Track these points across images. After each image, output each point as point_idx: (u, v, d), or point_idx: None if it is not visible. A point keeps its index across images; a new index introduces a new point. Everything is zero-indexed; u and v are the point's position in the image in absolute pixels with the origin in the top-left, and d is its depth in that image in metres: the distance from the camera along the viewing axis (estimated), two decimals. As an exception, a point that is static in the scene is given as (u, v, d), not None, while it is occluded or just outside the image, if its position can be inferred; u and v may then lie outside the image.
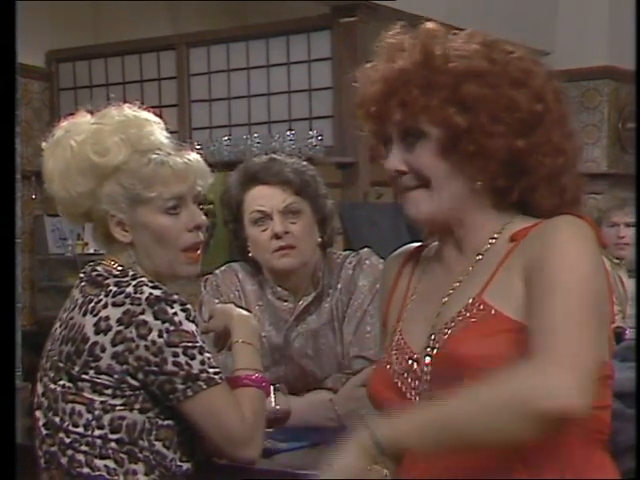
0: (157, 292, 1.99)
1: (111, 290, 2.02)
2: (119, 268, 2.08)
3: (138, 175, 2.07)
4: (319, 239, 2.72)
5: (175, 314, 1.98)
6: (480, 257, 1.70)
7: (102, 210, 2.09)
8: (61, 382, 2.04)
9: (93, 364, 1.99)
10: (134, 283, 2.02)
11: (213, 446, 2.03)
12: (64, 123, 2.14)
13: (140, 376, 1.98)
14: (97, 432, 2.00)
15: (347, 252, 2.81)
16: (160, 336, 1.96)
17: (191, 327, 1.99)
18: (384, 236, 5.07)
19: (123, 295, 2.00)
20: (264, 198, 2.67)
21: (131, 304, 1.98)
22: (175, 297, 2.00)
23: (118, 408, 2.00)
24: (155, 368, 1.97)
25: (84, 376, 2.01)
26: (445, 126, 1.66)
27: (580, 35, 7.24)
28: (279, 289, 2.74)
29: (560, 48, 7.30)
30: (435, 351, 1.66)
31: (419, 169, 1.69)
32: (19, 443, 2.14)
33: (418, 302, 1.78)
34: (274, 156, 2.74)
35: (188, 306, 2.01)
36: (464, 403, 1.49)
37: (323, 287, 2.73)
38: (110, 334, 1.98)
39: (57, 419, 2.04)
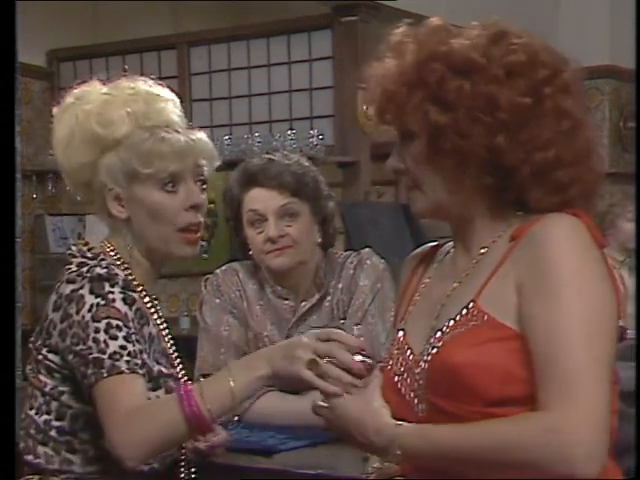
0: (104, 271, 1.96)
1: (70, 268, 2.02)
2: (93, 250, 2.05)
3: (137, 150, 2.03)
4: (319, 239, 2.72)
5: (111, 292, 1.93)
6: (481, 256, 1.69)
7: (100, 182, 2.06)
8: (29, 366, 2.04)
9: (47, 342, 1.99)
10: (92, 264, 2.00)
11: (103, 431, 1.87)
12: (76, 90, 2.11)
13: (70, 356, 1.93)
14: (44, 417, 1.99)
15: (348, 252, 2.80)
16: (90, 310, 1.92)
17: (123, 308, 1.92)
18: (385, 236, 5.05)
19: (76, 273, 1.99)
20: (260, 200, 2.67)
21: (80, 281, 1.96)
22: (121, 279, 1.95)
23: (65, 397, 1.97)
24: (81, 346, 1.90)
25: (39, 357, 2.00)
26: (425, 126, 1.65)
27: (580, 35, 7.23)
28: (279, 288, 2.74)
29: (560, 48, 7.27)
30: (430, 356, 1.65)
31: (408, 169, 1.71)
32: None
33: (421, 302, 1.78)
34: (273, 157, 2.72)
35: (132, 294, 1.95)
36: (481, 439, 1.53)
37: (326, 288, 2.73)
38: (60, 311, 1.97)
39: (28, 404, 2.04)
